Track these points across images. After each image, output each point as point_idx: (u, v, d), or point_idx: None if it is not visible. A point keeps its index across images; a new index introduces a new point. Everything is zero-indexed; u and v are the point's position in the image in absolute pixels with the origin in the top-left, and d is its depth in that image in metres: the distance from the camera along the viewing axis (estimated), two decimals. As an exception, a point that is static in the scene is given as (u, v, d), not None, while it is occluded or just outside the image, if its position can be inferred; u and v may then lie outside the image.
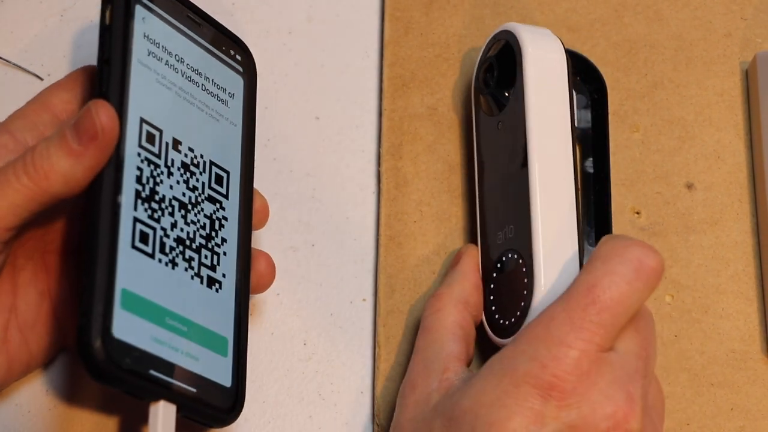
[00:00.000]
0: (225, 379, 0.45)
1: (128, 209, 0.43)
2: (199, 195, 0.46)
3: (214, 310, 0.45)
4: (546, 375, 0.40)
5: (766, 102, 0.52)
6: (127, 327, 0.41)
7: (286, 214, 0.53)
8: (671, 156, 0.53)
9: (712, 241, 0.52)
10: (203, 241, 0.45)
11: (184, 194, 0.45)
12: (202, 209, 0.46)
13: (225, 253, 0.46)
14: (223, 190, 0.47)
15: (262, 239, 0.53)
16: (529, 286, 0.45)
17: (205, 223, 0.46)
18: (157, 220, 0.44)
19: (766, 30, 0.55)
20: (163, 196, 0.44)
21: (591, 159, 0.53)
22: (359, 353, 0.51)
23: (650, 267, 0.41)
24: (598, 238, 0.51)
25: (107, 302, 0.41)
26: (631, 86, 0.54)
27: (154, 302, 0.43)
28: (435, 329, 0.46)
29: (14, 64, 0.55)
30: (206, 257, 0.45)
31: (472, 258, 0.49)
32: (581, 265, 0.46)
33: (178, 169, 0.45)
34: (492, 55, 0.50)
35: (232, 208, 0.47)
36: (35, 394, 0.50)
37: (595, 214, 0.52)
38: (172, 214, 0.44)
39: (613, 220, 0.51)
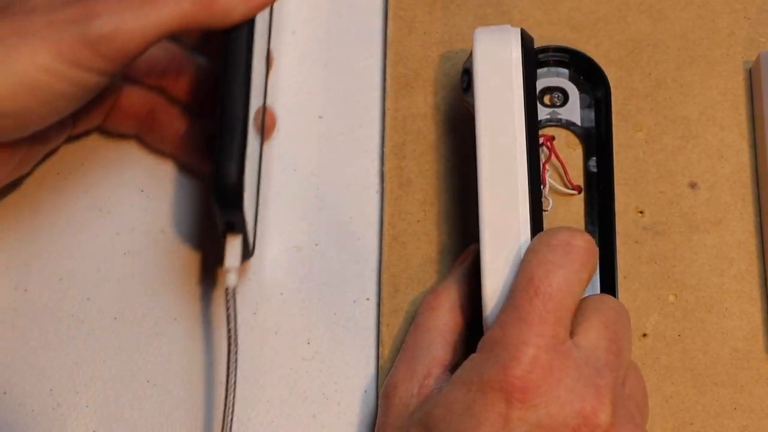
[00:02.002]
0: (252, 216, 0.49)
1: (254, 58, 0.47)
2: (262, 47, 0.50)
3: (256, 153, 0.49)
4: (508, 377, 0.40)
5: (769, 101, 0.52)
6: (246, 172, 0.45)
7: (290, 213, 0.53)
8: (675, 155, 0.53)
9: (715, 241, 0.52)
10: (259, 91, 0.49)
11: (260, 45, 0.49)
12: (260, 61, 0.49)
13: (260, 102, 0.50)
14: (266, 44, 0.51)
15: (265, 238, 0.53)
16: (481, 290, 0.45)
17: (261, 73, 0.49)
18: (254, 70, 0.47)
19: (770, 29, 0.55)
20: (256, 46, 0.48)
21: (594, 158, 0.53)
22: (363, 352, 0.51)
23: (579, 246, 0.42)
24: (602, 238, 0.51)
25: (243, 144, 0.45)
26: (634, 85, 0.54)
27: (249, 152, 0.46)
28: (426, 329, 0.46)
29: None
30: (258, 104, 0.49)
31: (476, 259, 0.49)
32: None
33: (262, 18, 0.49)
34: (467, 60, 0.50)
35: (264, 59, 0.51)
36: (39, 394, 0.50)
37: (598, 214, 0.52)
38: (258, 64, 0.48)
39: (616, 220, 0.51)
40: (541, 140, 0.52)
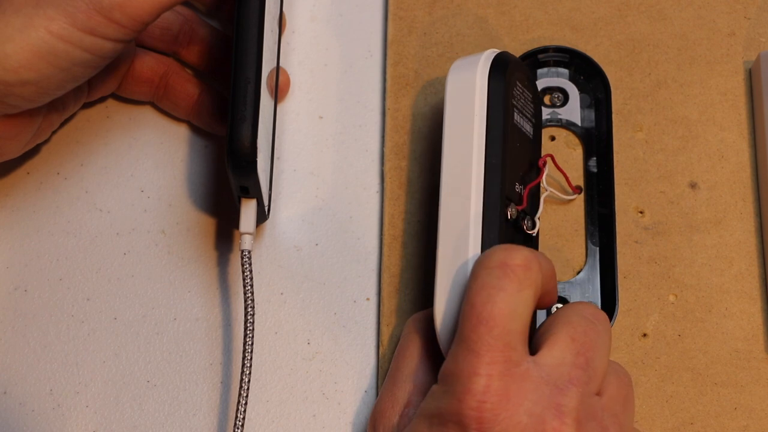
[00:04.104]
0: (267, 179, 0.50)
1: (266, 21, 0.47)
2: (275, 10, 0.50)
3: (270, 116, 0.50)
4: (463, 409, 0.39)
5: (769, 101, 0.52)
6: (260, 134, 0.46)
7: (290, 213, 0.53)
8: (675, 155, 0.53)
9: (715, 241, 0.52)
10: (272, 54, 0.50)
11: (273, 6, 0.50)
12: (273, 23, 0.50)
13: (274, 64, 0.51)
14: (278, 7, 0.52)
15: (265, 237, 0.53)
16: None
17: (274, 35, 0.50)
18: (266, 32, 0.48)
19: (770, 29, 0.55)
20: (269, 9, 0.48)
21: (594, 158, 0.53)
22: (363, 352, 0.51)
23: (516, 266, 0.40)
24: (602, 238, 0.51)
25: (256, 107, 0.46)
26: (634, 85, 0.54)
27: (264, 115, 0.47)
28: (409, 354, 0.45)
29: None
30: (271, 67, 0.50)
31: None
32: None
33: None
34: None
35: (278, 21, 0.52)
36: (39, 394, 0.50)
37: (598, 214, 0.52)
38: (270, 27, 0.49)
39: (616, 220, 0.51)
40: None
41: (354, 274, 0.52)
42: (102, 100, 0.55)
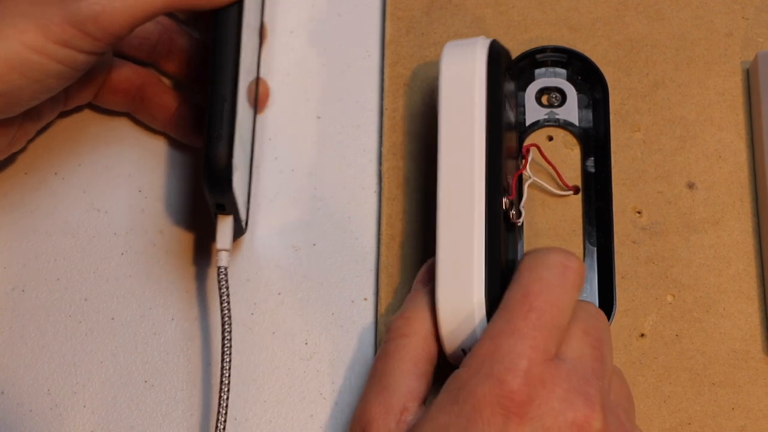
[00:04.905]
0: (245, 192, 0.50)
1: (243, 38, 0.47)
2: (255, 21, 0.50)
3: (249, 127, 0.50)
4: (505, 390, 0.39)
5: (767, 101, 0.52)
6: (236, 152, 0.46)
7: (288, 213, 0.53)
8: (672, 155, 0.53)
9: (713, 241, 0.52)
10: (252, 66, 0.50)
11: (253, 19, 0.50)
12: (253, 34, 0.50)
13: (254, 75, 0.51)
14: (259, 16, 0.52)
15: (263, 237, 0.53)
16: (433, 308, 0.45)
17: (254, 47, 0.50)
18: (246, 46, 0.48)
19: (768, 29, 0.56)
20: (249, 22, 0.48)
21: (592, 158, 0.53)
22: (360, 352, 0.51)
23: (572, 269, 0.42)
24: (599, 238, 0.51)
25: (231, 126, 0.45)
26: (632, 86, 0.54)
27: (241, 129, 0.47)
28: (398, 358, 0.44)
29: None
30: (251, 80, 0.50)
31: None
32: (487, 282, 0.44)
33: (257, 9, 0.51)
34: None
35: (257, 32, 0.52)
36: (37, 394, 0.50)
37: (596, 214, 0.52)
38: (250, 40, 0.49)
39: (614, 220, 0.51)
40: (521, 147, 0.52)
41: (352, 274, 0.52)
42: (79, 109, 0.54)
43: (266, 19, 0.56)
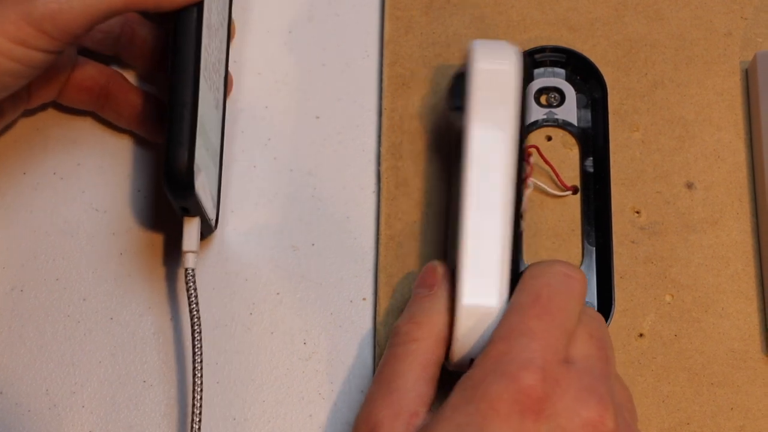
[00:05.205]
0: (215, 191, 0.50)
1: (204, 38, 0.46)
2: (220, 18, 0.50)
3: (216, 126, 0.50)
4: (521, 387, 0.39)
5: (766, 101, 0.52)
6: (199, 152, 0.46)
7: (287, 213, 0.53)
8: (671, 155, 0.53)
9: (712, 241, 0.52)
10: (217, 64, 0.49)
11: (216, 18, 0.49)
12: (219, 32, 0.49)
13: (221, 74, 0.50)
14: (224, 13, 0.51)
15: (262, 237, 0.53)
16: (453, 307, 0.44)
17: (218, 46, 0.49)
18: (209, 46, 0.47)
19: (767, 29, 0.55)
20: (212, 22, 0.48)
21: (591, 158, 0.53)
22: (359, 352, 0.51)
23: (576, 278, 0.43)
24: (598, 238, 0.51)
25: (192, 130, 0.45)
26: (631, 85, 0.54)
27: (205, 127, 0.47)
28: (408, 362, 0.44)
29: None
30: (217, 78, 0.49)
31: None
32: (511, 285, 0.45)
33: (224, 6, 0.50)
34: (456, 73, 0.49)
35: (225, 30, 0.51)
36: (35, 394, 0.50)
37: (595, 214, 0.52)
38: (213, 40, 0.48)
39: (613, 220, 0.51)
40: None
41: (351, 274, 0.52)
42: (43, 108, 0.54)
43: (282, 9, 0.56)
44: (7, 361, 0.51)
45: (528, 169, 0.50)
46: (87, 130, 0.55)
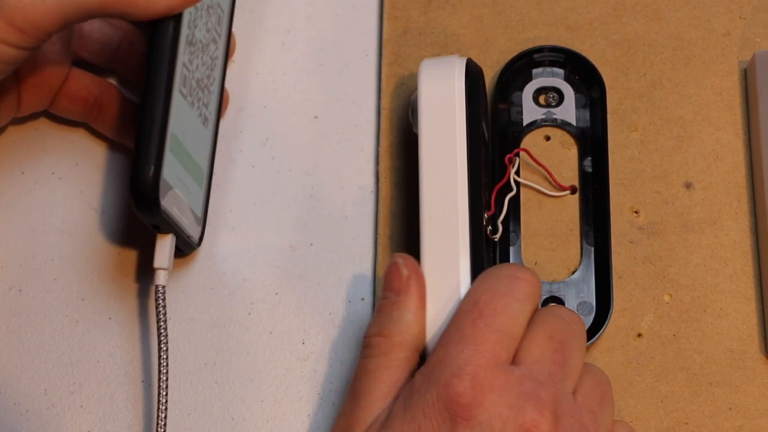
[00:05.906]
0: (198, 209, 0.50)
1: (181, 54, 0.46)
2: (212, 35, 0.49)
3: (202, 144, 0.49)
4: (451, 394, 0.39)
5: (764, 101, 0.52)
6: (170, 169, 0.45)
7: (285, 213, 0.53)
8: (670, 155, 0.53)
9: (710, 241, 0.52)
10: (206, 81, 0.49)
11: (204, 35, 0.48)
12: (208, 48, 0.49)
13: (212, 91, 0.50)
14: (219, 30, 0.50)
15: (260, 237, 0.53)
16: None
17: (207, 63, 0.49)
18: (191, 63, 0.47)
19: (765, 29, 0.55)
20: (196, 38, 0.47)
21: (589, 158, 0.53)
22: (358, 352, 0.51)
23: (523, 279, 0.43)
24: (596, 238, 0.51)
25: (161, 146, 0.44)
26: (629, 85, 0.54)
27: (184, 144, 0.46)
28: (376, 378, 0.43)
29: None
30: (205, 95, 0.49)
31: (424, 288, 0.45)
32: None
33: (207, 9, 0.48)
34: (413, 96, 0.50)
35: (220, 46, 0.51)
36: (33, 394, 0.50)
37: (593, 214, 0.52)
38: (197, 56, 0.47)
39: (611, 220, 0.51)
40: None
41: (349, 274, 0.52)
42: (34, 117, 0.54)
43: (282, 9, 0.56)
44: (6, 361, 0.51)
45: (507, 171, 0.50)
46: (85, 130, 0.55)
